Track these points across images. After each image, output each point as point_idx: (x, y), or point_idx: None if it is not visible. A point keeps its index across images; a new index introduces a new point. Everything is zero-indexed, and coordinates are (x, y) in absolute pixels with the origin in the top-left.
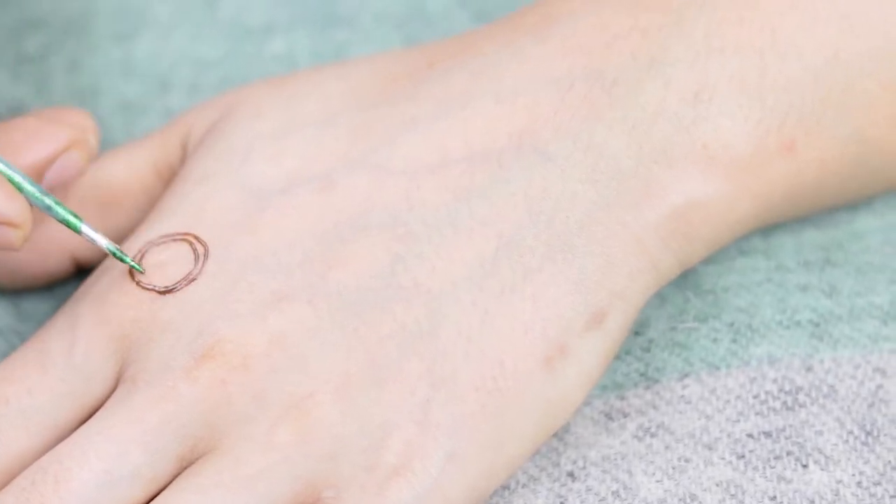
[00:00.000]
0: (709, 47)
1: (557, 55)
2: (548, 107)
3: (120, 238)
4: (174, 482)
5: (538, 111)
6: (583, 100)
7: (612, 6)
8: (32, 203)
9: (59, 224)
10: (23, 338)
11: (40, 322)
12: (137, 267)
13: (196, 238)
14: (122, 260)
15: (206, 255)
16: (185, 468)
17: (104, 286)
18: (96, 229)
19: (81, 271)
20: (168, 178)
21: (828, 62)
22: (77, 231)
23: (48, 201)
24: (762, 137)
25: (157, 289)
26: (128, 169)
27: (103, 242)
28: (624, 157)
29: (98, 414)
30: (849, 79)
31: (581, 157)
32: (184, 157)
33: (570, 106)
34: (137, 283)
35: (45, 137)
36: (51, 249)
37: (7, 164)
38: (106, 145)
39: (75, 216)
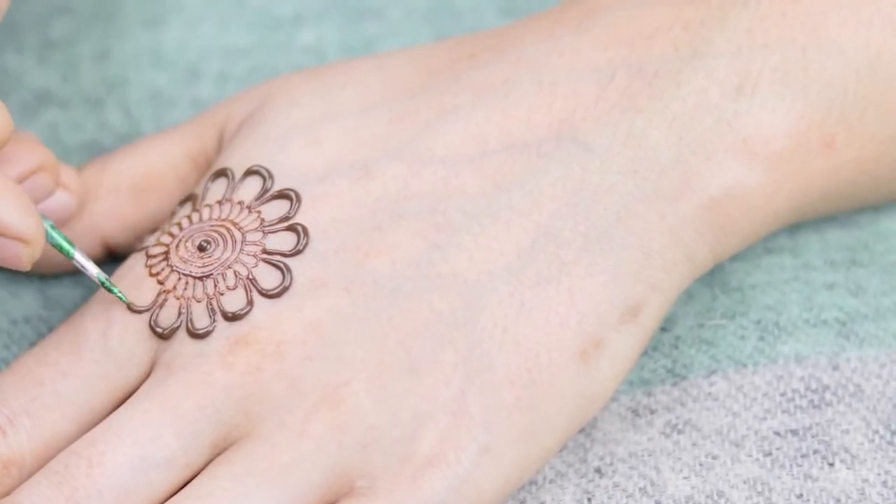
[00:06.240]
0: (752, 41)
1: (598, 46)
2: (588, 97)
3: (155, 225)
4: (208, 468)
5: (578, 101)
6: (623, 91)
7: (653, 0)
8: None
9: (91, 206)
10: (50, 325)
11: (67, 310)
12: (124, 298)
13: (234, 223)
14: (109, 290)
15: (243, 242)
16: (219, 455)
17: (139, 272)
18: (88, 257)
19: (112, 258)
20: (204, 168)
21: (870, 61)
22: (70, 257)
23: (45, 225)
24: (803, 132)
25: (193, 274)
26: (163, 156)
27: (94, 271)
28: (663, 148)
29: (133, 398)
30: (891, 79)
31: (620, 148)
32: (220, 147)
33: (610, 97)
34: (173, 269)
35: (16, 159)
36: (82, 232)
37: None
38: (135, 136)
39: (69, 242)
